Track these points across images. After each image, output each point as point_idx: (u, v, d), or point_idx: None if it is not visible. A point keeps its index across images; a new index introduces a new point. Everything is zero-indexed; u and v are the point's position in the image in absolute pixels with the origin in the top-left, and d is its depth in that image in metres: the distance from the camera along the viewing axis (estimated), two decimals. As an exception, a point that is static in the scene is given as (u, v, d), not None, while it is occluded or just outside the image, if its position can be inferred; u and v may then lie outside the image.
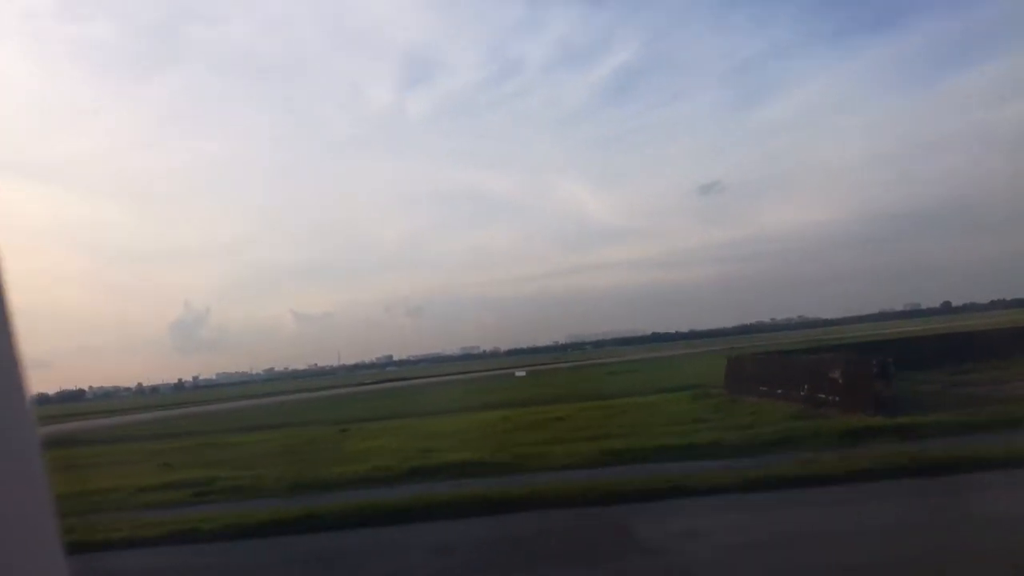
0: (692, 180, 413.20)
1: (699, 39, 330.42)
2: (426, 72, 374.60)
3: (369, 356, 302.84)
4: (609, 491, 13.40)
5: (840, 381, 23.92)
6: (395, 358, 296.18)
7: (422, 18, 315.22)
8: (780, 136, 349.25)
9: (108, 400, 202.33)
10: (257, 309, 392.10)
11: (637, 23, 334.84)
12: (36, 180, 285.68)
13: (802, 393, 26.49)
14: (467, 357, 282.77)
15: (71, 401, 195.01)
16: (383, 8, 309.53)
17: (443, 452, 22.08)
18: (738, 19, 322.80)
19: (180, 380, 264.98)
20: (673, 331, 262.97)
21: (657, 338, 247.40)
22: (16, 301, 1.66)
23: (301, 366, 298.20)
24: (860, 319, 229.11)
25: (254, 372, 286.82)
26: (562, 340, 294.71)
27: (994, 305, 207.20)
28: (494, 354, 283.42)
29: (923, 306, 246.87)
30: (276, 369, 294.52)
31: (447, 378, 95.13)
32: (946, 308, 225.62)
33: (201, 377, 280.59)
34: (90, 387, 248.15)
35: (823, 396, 24.80)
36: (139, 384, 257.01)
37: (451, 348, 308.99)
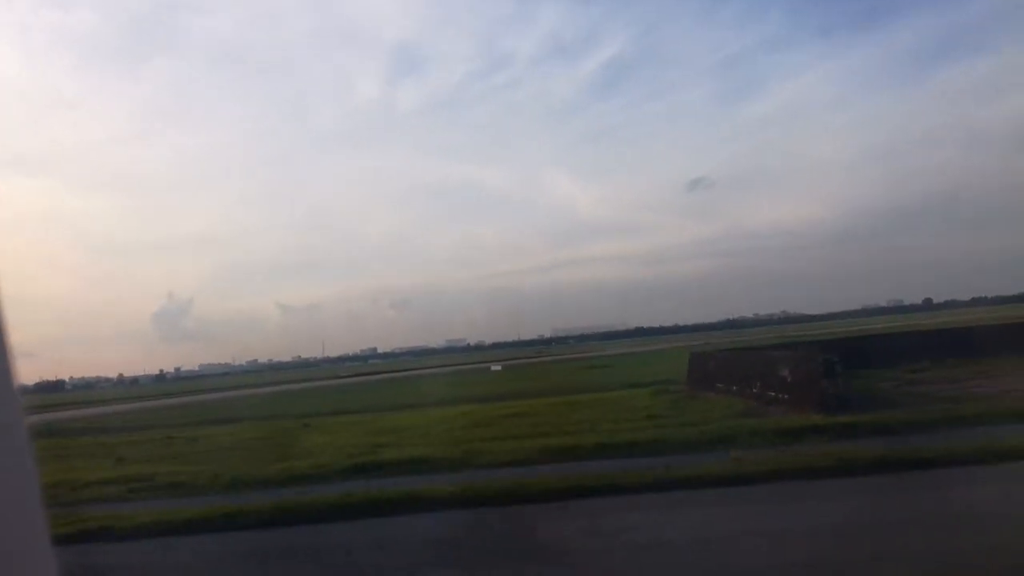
0: (679, 175, 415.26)
1: (687, 34, 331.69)
2: (415, 65, 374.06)
3: (354, 348, 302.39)
4: (530, 490, 13.40)
5: (789, 379, 24.05)
6: (379, 351, 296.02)
7: (411, 11, 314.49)
8: (767, 132, 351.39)
9: (88, 391, 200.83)
10: (242, 301, 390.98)
11: (626, 18, 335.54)
12: (19, 171, 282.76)
13: (755, 390, 26.63)
14: (452, 350, 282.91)
15: (50, 392, 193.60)
16: (372, 1, 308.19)
17: (392, 448, 22.05)
18: (726, 14, 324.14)
19: (161, 371, 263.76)
20: (658, 325, 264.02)
21: (641, 332, 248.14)
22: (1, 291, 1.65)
23: (285, 358, 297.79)
24: (843, 315, 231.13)
25: (237, 364, 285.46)
26: (547, 334, 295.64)
27: (975, 302, 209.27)
28: (479, 347, 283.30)
29: (906, 302, 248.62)
30: (260, 361, 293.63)
31: (424, 372, 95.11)
32: (927, 305, 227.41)
33: (183, 368, 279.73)
34: (70, 377, 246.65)
35: (773, 394, 24.93)
36: (120, 375, 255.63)
37: (437, 341, 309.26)
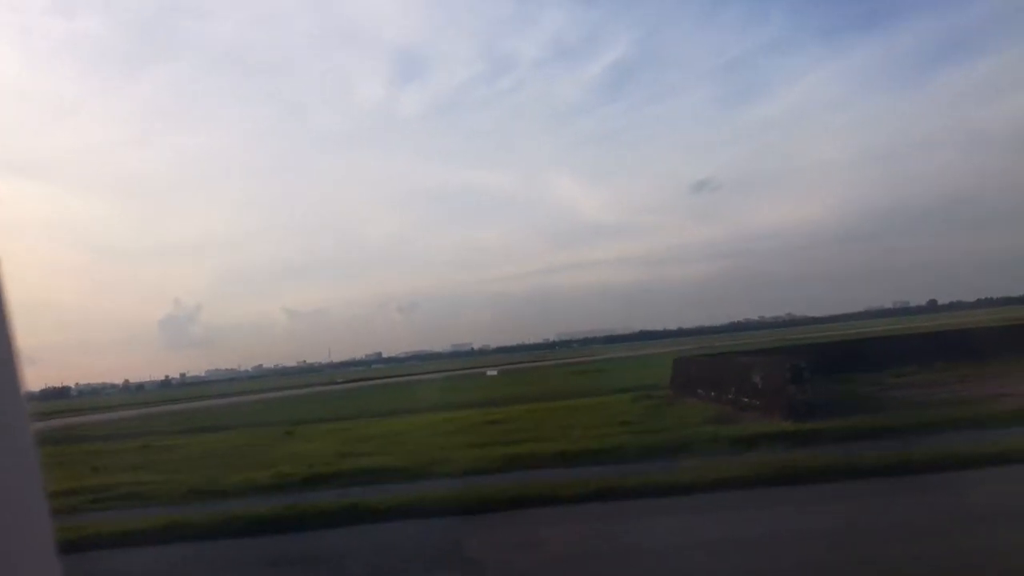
0: (684, 177, 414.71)
1: (690, 37, 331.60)
2: (418, 69, 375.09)
3: (359, 353, 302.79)
4: (470, 501, 13.29)
5: (760, 385, 23.84)
6: (384, 355, 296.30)
7: (414, 14, 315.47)
8: (770, 134, 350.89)
9: (93, 397, 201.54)
10: (248, 306, 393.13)
11: (629, 20, 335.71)
12: (25, 175, 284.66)
13: (730, 396, 26.44)
14: (457, 354, 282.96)
15: (56, 398, 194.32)
16: (375, 4, 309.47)
17: (361, 457, 21.98)
18: (729, 17, 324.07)
19: (167, 377, 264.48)
20: (661, 329, 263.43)
21: (644, 336, 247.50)
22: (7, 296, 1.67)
23: (291, 363, 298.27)
24: (848, 317, 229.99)
25: (243, 369, 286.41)
26: (552, 337, 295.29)
27: (980, 303, 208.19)
28: (483, 351, 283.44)
29: (911, 304, 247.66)
30: (265, 366, 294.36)
31: (422, 377, 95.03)
32: (932, 306, 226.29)
33: (189, 374, 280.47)
34: (76, 384, 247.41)
35: (747, 400, 24.73)
36: (126, 381, 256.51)
37: (442, 345, 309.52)
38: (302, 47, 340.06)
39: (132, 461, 27.19)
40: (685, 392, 32.85)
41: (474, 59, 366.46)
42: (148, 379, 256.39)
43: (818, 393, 26.48)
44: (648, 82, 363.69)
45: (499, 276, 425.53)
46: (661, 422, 24.12)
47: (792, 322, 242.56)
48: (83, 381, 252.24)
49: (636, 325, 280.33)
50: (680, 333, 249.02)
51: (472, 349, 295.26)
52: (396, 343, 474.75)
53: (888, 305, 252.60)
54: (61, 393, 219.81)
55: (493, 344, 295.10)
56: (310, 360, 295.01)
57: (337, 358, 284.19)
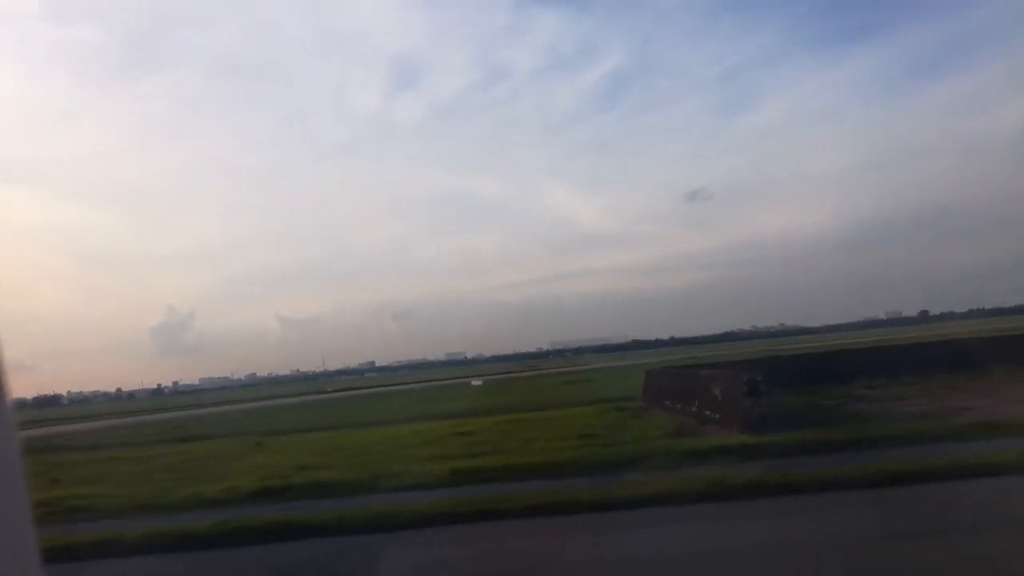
0: (678, 187, 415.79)
1: (685, 47, 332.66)
2: (414, 77, 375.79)
3: (354, 361, 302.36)
4: (398, 518, 13.23)
5: (720, 398, 23.84)
6: (377, 364, 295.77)
7: (409, 23, 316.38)
8: (765, 143, 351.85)
9: (83, 406, 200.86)
10: (242, 314, 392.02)
11: (623, 30, 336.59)
12: (20, 183, 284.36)
13: (694, 409, 26.44)
14: (451, 363, 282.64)
15: (46, 406, 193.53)
16: (371, 13, 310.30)
17: (318, 470, 21.87)
18: (723, 27, 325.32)
19: (159, 385, 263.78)
20: (654, 338, 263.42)
21: (637, 345, 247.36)
22: None
23: (284, 371, 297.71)
24: (841, 327, 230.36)
25: (236, 378, 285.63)
26: (546, 346, 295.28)
27: (971, 314, 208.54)
28: (477, 360, 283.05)
29: (905, 314, 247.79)
30: (258, 374, 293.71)
31: (408, 387, 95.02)
32: (923, 317, 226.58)
33: (182, 382, 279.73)
34: (68, 392, 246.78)
35: (708, 413, 24.73)
36: (118, 389, 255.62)
37: (436, 354, 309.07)
38: (297, 55, 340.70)
39: (94, 473, 27.02)
40: (655, 404, 32.86)
41: (470, 68, 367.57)
42: (140, 387, 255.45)
43: (782, 406, 26.56)
44: (643, 92, 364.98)
45: (494, 285, 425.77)
46: (622, 435, 24.09)
47: (785, 332, 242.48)
48: (76, 389, 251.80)
49: (630, 334, 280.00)
50: (673, 342, 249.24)
51: (466, 358, 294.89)
52: (390, 351, 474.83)
53: (881, 316, 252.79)
54: (52, 401, 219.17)
55: (487, 353, 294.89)
56: (304, 368, 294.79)
57: (331, 366, 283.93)
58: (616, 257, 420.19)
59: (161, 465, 28.39)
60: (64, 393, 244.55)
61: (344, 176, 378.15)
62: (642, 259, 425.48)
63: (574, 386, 60.73)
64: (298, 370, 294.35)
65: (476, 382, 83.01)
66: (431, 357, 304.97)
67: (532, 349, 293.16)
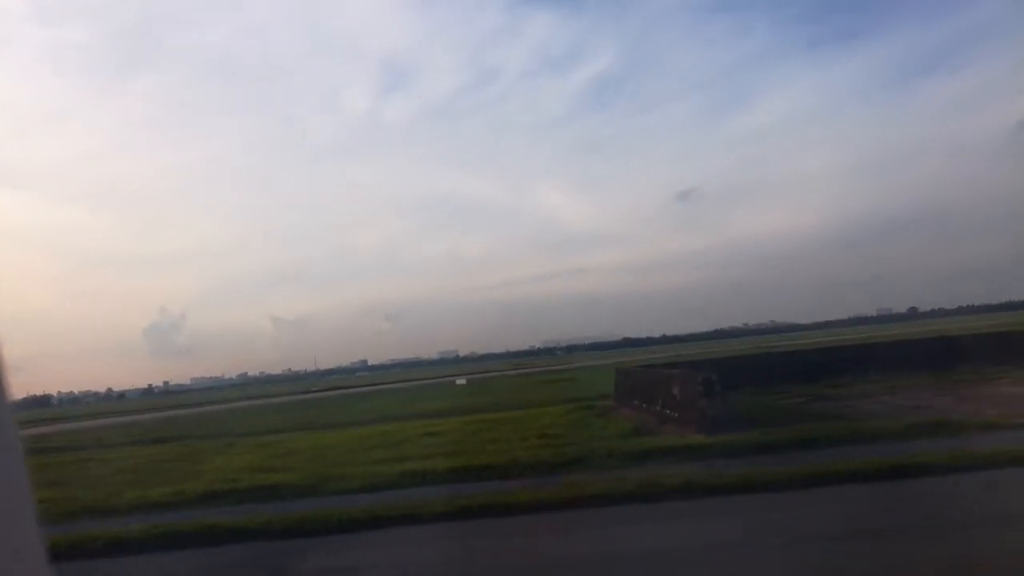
0: (669, 187, 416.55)
1: (676, 48, 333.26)
2: (404, 78, 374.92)
3: (346, 360, 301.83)
4: (327, 521, 13.17)
5: (678, 398, 23.83)
6: (369, 363, 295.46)
7: (400, 24, 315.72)
8: (756, 144, 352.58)
9: (73, 406, 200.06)
10: (234, 314, 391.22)
11: (614, 31, 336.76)
12: (9, 184, 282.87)
13: (656, 408, 26.45)
14: (442, 362, 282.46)
15: (36, 407, 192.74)
16: (361, 14, 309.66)
17: (271, 472, 21.77)
18: (715, 28, 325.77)
19: (150, 385, 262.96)
20: (645, 336, 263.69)
21: (629, 344, 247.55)
22: None
23: (276, 371, 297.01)
24: (831, 324, 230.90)
25: (227, 377, 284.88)
26: (537, 345, 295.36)
27: (961, 311, 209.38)
28: (469, 359, 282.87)
29: (895, 311, 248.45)
30: (250, 374, 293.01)
31: (394, 386, 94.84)
32: (912, 313, 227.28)
33: (174, 382, 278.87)
34: (58, 392, 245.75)
35: (668, 412, 24.74)
36: (108, 389, 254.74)
37: (429, 352, 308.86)
38: (288, 55, 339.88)
39: (56, 475, 26.80)
40: (624, 403, 32.85)
41: (461, 68, 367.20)
42: (131, 387, 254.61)
43: (744, 404, 26.62)
44: (634, 93, 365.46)
45: (486, 284, 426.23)
46: (581, 435, 24.07)
47: (775, 329, 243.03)
48: (68, 390, 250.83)
49: (622, 332, 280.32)
50: (664, 340, 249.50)
51: (458, 356, 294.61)
52: (383, 351, 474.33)
53: (871, 313, 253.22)
54: (42, 402, 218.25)
55: (480, 351, 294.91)
56: (295, 368, 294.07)
57: (323, 366, 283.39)
58: (608, 256, 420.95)
59: (123, 468, 28.25)
60: (55, 394, 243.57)
61: (336, 176, 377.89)
62: (634, 258, 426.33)
63: (555, 385, 60.73)
64: (290, 369, 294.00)
65: (460, 381, 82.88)
66: (423, 356, 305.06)
67: (524, 347, 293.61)
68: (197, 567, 11.62)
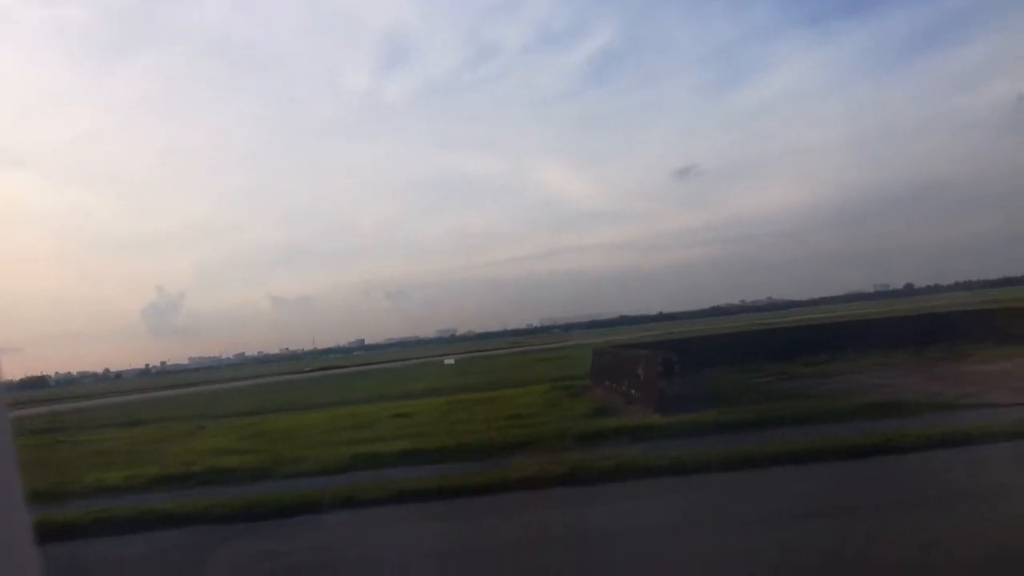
0: (669, 164, 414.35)
1: (677, 22, 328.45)
2: (403, 55, 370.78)
3: (344, 340, 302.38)
4: (266, 506, 13.15)
5: (641, 378, 23.76)
6: (367, 342, 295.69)
7: (399, 1, 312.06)
8: (756, 120, 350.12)
9: (69, 387, 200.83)
10: (233, 294, 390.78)
11: (614, 6, 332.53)
12: (6, 164, 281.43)
13: (624, 388, 26.40)
14: (442, 341, 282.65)
15: (32, 388, 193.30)
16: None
17: (233, 455, 21.72)
18: (715, 3, 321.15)
19: (147, 366, 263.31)
20: (642, 314, 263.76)
21: (626, 321, 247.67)
22: None
23: (274, 350, 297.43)
24: (828, 300, 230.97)
25: (224, 357, 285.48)
26: (536, 323, 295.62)
27: (957, 286, 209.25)
28: (467, 337, 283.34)
29: (892, 287, 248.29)
30: (247, 354, 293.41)
31: (385, 366, 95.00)
32: (908, 290, 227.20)
33: (170, 363, 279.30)
34: (56, 373, 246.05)
35: (633, 392, 24.68)
36: (106, 370, 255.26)
37: (428, 331, 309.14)
38: (288, 34, 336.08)
39: (34, 458, 26.92)
40: (598, 383, 32.82)
41: (460, 45, 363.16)
42: (128, 368, 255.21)
43: (713, 383, 26.58)
44: (634, 68, 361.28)
45: (486, 262, 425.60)
46: (548, 415, 24.00)
47: (772, 306, 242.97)
48: (65, 371, 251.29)
49: (620, 310, 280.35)
50: (662, 318, 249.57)
51: (455, 335, 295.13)
52: (383, 330, 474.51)
53: (869, 289, 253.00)
54: (39, 383, 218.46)
55: (479, 330, 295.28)
56: (293, 347, 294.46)
57: (321, 345, 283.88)
58: (606, 234, 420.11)
59: (92, 451, 28.28)
60: (52, 375, 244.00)
61: (335, 155, 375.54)
62: (632, 236, 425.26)
63: (542, 364, 60.71)
64: (287, 349, 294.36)
65: (449, 361, 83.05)
66: (422, 335, 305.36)
67: (523, 326, 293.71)
68: (115, 555, 11.57)
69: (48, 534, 12.88)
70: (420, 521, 11.64)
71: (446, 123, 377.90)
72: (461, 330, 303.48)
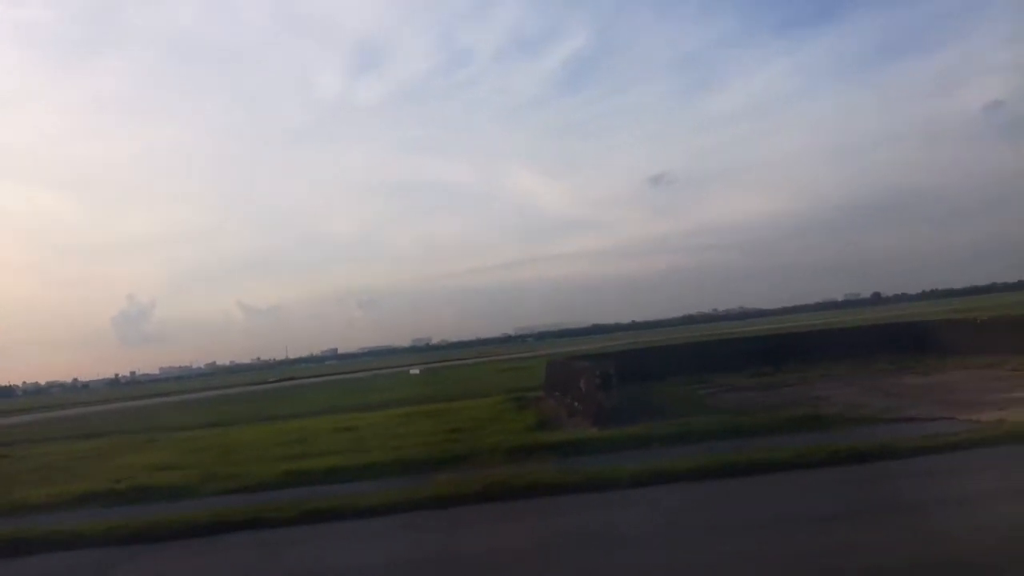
0: (642, 171, 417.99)
1: (649, 30, 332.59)
2: (376, 59, 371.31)
3: (317, 348, 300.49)
4: (188, 522, 13.03)
5: (583, 390, 23.81)
6: (340, 351, 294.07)
7: (371, 5, 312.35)
8: (727, 127, 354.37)
9: (37, 397, 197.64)
10: (205, 302, 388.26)
11: (586, 12, 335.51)
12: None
13: (569, 400, 26.46)
14: (416, 349, 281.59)
15: (0, 398, 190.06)
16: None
17: (165, 471, 21.44)
18: (687, 10, 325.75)
19: (117, 375, 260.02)
20: (614, 323, 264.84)
21: (598, 330, 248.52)
22: None
23: (247, 360, 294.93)
24: (798, 310, 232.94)
25: (195, 366, 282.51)
26: (511, 332, 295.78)
27: (923, 296, 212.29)
28: (441, 346, 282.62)
29: (863, 295, 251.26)
30: (219, 363, 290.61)
31: (350, 376, 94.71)
32: (876, 299, 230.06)
33: (140, 372, 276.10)
34: (23, 383, 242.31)
35: (576, 405, 24.73)
36: (75, 379, 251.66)
37: (402, 340, 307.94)
38: (258, 36, 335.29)
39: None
40: (549, 394, 32.90)
41: (432, 51, 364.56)
42: (98, 377, 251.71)
43: (654, 395, 26.69)
44: (607, 75, 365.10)
45: (460, 270, 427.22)
46: (488, 429, 23.81)
47: (743, 315, 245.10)
48: (34, 380, 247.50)
49: (592, 319, 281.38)
50: (634, 327, 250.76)
51: (429, 344, 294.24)
52: (356, 339, 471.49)
53: (839, 298, 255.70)
54: (5, 393, 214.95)
55: (453, 339, 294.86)
56: (265, 357, 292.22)
57: (294, 354, 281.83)
58: (580, 242, 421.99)
59: (32, 466, 27.73)
60: (20, 384, 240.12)
61: (307, 161, 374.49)
62: (606, 244, 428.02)
63: (505, 374, 60.81)
64: (259, 358, 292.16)
65: (414, 371, 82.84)
66: (397, 344, 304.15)
67: (497, 334, 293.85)
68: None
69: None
70: (303, 545, 11.52)
71: (419, 129, 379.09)
72: (436, 339, 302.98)
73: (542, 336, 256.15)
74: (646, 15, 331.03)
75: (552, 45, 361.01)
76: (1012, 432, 14.01)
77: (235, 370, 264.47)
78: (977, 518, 9.35)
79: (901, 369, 29.97)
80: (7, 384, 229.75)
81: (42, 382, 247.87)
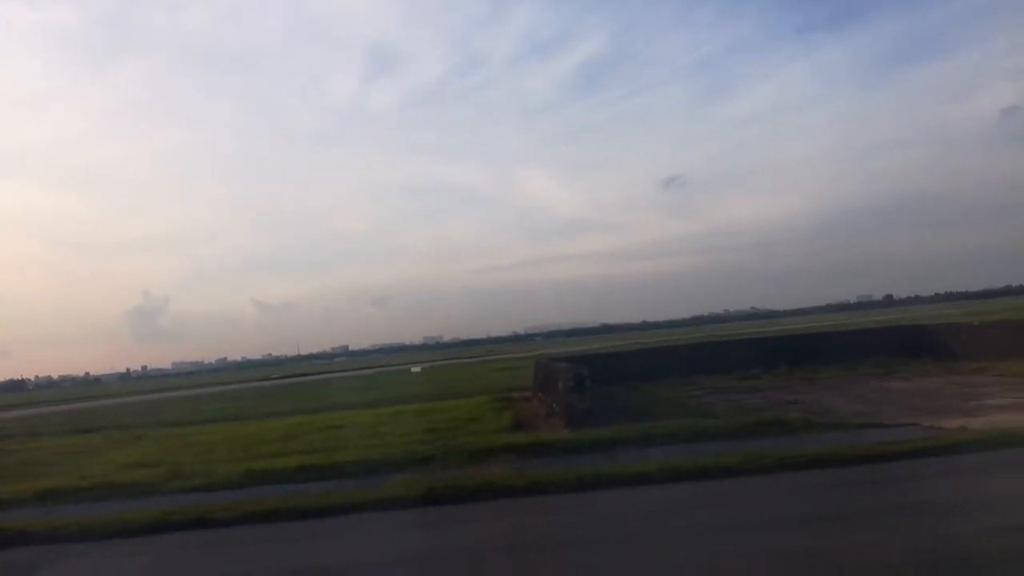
0: (655, 174, 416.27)
1: (664, 34, 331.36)
2: (390, 64, 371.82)
3: (329, 345, 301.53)
4: (139, 521, 13.13)
5: (561, 391, 23.79)
6: (352, 348, 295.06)
7: (385, 9, 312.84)
8: (742, 131, 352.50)
9: (49, 390, 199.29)
10: (218, 299, 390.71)
11: (602, 17, 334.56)
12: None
13: (549, 401, 26.45)
14: (427, 347, 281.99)
15: (10, 391, 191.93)
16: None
17: (142, 469, 21.55)
18: (702, 15, 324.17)
19: (128, 370, 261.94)
20: (624, 323, 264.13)
21: (607, 330, 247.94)
22: None
23: (258, 356, 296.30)
24: (809, 311, 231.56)
25: (207, 362, 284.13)
26: (520, 331, 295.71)
27: (936, 298, 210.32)
28: (452, 344, 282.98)
29: (875, 297, 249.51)
30: (230, 359, 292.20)
31: (355, 373, 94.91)
32: (888, 301, 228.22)
33: (153, 367, 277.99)
34: (35, 376, 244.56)
35: (554, 406, 24.71)
36: (86, 373, 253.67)
37: (414, 338, 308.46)
38: (274, 40, 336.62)
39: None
40: (536, 395, 32.84)
41: (447, 54, 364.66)
42: (108, 372, 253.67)
43: (636, 397, 26.64)
44: (620, 79, 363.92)
45: (472, 269, 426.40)
46: (463, 430, 23.85)
47: (754, 315, 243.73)
48: (46, 374, 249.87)
49: (602, 319, 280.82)
50: (645, 327, 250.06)
51: (440, 342, 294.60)
52: (368, 335, 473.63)
53: (852, 299, 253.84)
54: (18, 386, 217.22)
55: (463, 337, 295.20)
56: (277, 353, 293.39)
57: (305, 350, 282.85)
58: (592, 243, 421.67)
59: (21, 460, 28.11)
60: (32, 378, 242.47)
61: (322, 162, 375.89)
62: (618, 245, 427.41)
63: (502, 373, 60.82)
64: (271, 354, 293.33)
65: (415, 369, 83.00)
66: (408, 341, 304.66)
67: (507, 333, 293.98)
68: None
69: None
70: (234, 546, 11.58)
71: (433, 131, 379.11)
72: (447, 337, 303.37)
73: (551, 335, 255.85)
74: (661, 19, 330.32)
75: (566, 49, 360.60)
76: (968, 440, 13.87)
77: (246, 366, 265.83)
78: (880, 534, 9.07)
79: (887, 373, 29.76)
80: (20, 378, 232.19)
81: (55, 376, 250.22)
